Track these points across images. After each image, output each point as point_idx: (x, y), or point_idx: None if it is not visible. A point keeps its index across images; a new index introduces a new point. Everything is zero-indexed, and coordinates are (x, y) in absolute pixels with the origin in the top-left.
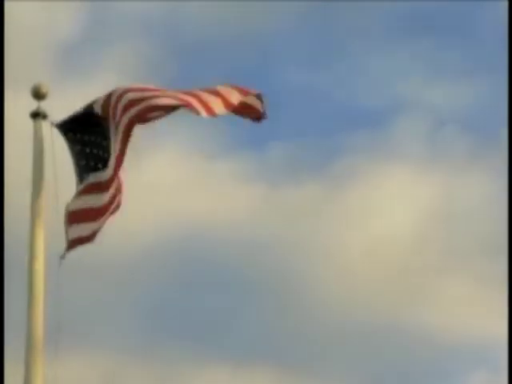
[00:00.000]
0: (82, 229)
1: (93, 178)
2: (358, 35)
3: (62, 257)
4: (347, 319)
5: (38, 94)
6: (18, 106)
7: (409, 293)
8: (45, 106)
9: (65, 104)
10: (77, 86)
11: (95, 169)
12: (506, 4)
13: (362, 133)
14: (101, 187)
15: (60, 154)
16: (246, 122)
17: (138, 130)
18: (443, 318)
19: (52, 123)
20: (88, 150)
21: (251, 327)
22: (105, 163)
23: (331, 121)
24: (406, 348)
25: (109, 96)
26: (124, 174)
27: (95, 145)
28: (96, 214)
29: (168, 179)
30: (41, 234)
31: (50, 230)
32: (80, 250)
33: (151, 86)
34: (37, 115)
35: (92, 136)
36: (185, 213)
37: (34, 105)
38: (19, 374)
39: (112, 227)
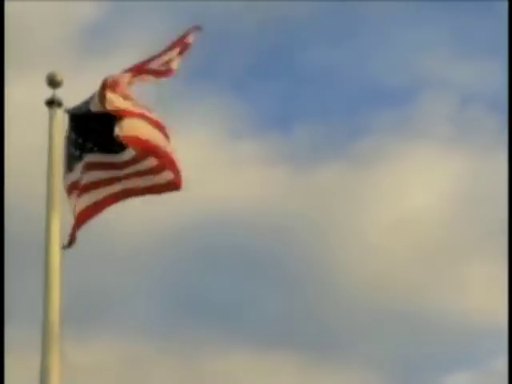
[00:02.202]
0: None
1: (93, 158)
2: (380, 12)
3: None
4: (371, 303)
5: (52, 82)
6: (38, 92)
7: (434, 274)
8: (65, 89)
9: (85, 86)
10: (98, 68)
11: (91, 150)
12: (505, 4)
13: (386, 111)
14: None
15: None
16: (271, 103)
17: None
18: (468, 300)
19: (66, 110)
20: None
21: (274, 312)
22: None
23: (356, 99)
24: (431, 333)
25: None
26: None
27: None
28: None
29: (192, 161)
30: (57, 221)
31: (66, 218)
32: (101, 235)
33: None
34: (52, 103)
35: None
36: (209, 196)
37: (61, 73)
38: (36, 362)
39: (134, 212)
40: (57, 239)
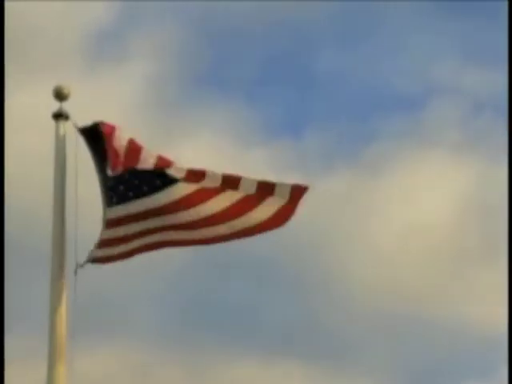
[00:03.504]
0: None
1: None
2: (393, 17)
3: (82, 265)
4: (381, 309)
5: (59, 95)
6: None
7: (445, 280)
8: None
9: (98, 91)
10: (111, 72)
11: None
12: (505, 4)
13: (397, 118)
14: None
15: (82, 154)
16: (281, 109)
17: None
18: (479, 307)
19: (75, 125)
20: None
21: (282, 319)
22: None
23: (367, 105)
24: (442, 340)
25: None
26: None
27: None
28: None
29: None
30: (63, 232)
31: (72, 229)
32: None
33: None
34: (59, 116)
35: None
36: None
37: (69, 86)
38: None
39: None
40: (63, 249)
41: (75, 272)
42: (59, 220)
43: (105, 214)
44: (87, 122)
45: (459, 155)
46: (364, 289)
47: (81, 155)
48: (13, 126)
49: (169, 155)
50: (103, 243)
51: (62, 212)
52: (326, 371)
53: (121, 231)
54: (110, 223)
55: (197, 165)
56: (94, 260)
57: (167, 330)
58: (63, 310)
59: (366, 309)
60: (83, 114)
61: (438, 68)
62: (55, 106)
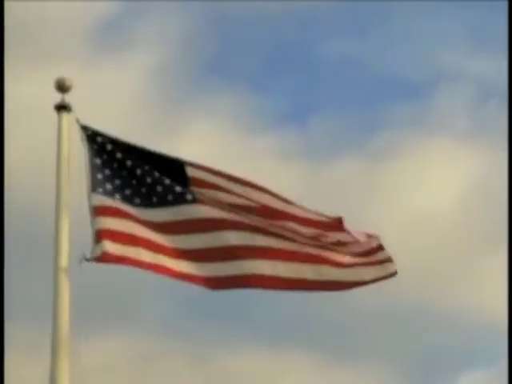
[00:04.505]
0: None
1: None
2: (400, 4)
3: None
4: (386, 300)
5: (62, 87)
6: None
7: (451, 271)
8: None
9: (103, 79)
10: (116, 61)
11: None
12: (505, 4)
13: (404, 105)
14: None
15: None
16: (287, 97)
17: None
18: (486, 295)
19: (77, 120)
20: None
21: (287, 310)
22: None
23: (372, 92)
24: (447, 330)
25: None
26: None
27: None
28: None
29: (208, 157)
30: (66, 227)
31: (75, 223)
32: None
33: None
34: (61, 108)
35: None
36: None
37: (76, 78)
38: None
39: None
40: (66, 240)
41: (80, 264)
42: (62, 213)
43: (90, 199)
44: (92, 111)
45: (466, 142)
46: None
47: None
48: (16, 115)
49: (170, 142)
50: (105, 234)
51: (66, 206)
52: (331, 361)
53: (123, 226)
54: (99, 211)
55: (202, 154)
56: (101, 257)
57: (172, 321)
58: (66, 301)
59: (369, 299)
60: (88, 103)
61: (446, 55)
62: (59, 95)
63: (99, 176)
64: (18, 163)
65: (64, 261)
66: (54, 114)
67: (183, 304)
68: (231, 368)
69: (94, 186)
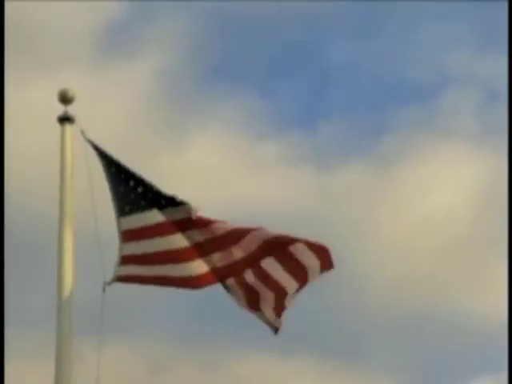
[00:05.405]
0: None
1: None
2: (407, 6)
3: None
4: (395, 305)
5: (64, 99)
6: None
7: (461, 275)
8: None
9: (109, 84)
10: (122, 66)
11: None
12: (505, 4)
13: (412, 108)
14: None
15: (89, 159)
16: (294, 101)
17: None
18: (494, 302)
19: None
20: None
21: (295, 315)
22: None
23: (380, 96)
24: (455, 335)
25: None
26: None
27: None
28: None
29: (216, 163)
30: (69, 237)
31: (79, 232)
32: None
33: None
34: (64, 120)
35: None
36: (233, 197)
37: (82, 83)
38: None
39: None
40: (70, 250)
41: (103, 290)
42: (66, 223)
43: (119, 225)
44: (97, 116)
45: (474, 145)
46: (377, 283)
47: (89, 157)
48: (19, 123)
49: (179, 150)
50: (126, 259)
51: (69, 216)
52: (339, 367)
53: (139, 247)
54: (126, 235)
55: (210, 160)
56: (119, 279)
57: (180, 327)
58: (71, 307)
59: (378, 304)
60: (93, 107)
61: (453, 57)
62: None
63: (118, 197)
64: (18, 172)
65: (68, 267)
66: (57, 124)
67: (192, 310)
68: (241, 373)
69: (120, 210)
